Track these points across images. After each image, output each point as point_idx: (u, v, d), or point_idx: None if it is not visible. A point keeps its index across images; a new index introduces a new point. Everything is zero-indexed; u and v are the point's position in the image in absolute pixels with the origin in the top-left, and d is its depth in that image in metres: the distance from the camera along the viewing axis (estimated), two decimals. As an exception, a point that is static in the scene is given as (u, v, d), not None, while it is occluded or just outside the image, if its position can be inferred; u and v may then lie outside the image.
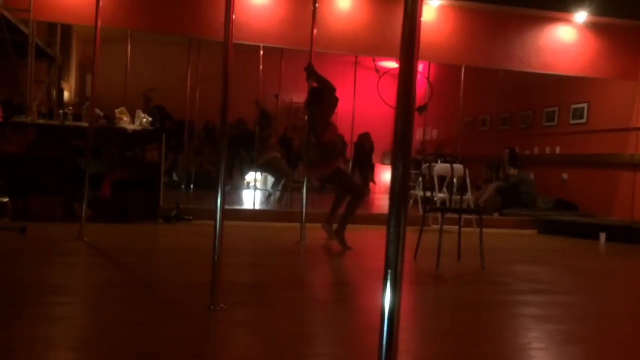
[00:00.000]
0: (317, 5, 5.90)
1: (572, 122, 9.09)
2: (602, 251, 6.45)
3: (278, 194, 8.66)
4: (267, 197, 8.88)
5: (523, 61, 7.83)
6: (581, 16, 7.69)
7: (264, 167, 8.59)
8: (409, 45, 1.36)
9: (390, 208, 1.39)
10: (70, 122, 6.40)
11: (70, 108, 6.92)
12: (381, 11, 7.30)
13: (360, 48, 7.70)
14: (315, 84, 5.41)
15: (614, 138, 8.25)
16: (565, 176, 9.13)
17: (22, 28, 6.43)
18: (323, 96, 5.24)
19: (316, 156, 5.29)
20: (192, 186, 9.92)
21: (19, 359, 2.14)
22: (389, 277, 1.38)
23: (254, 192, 8.86)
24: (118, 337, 2.46)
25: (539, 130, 9.86)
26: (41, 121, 6.34)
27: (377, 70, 10.85)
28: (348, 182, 5.43)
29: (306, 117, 5.50)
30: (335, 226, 5.28)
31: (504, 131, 10.80)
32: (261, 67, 8.54)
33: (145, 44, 11.19)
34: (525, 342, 2.74)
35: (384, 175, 12.97)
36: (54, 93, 8.59)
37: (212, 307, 2.81)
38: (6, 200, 5.39)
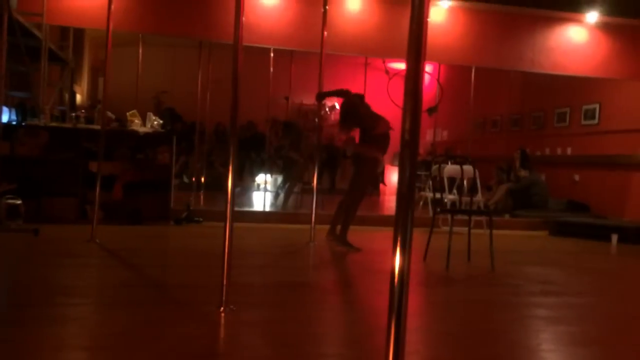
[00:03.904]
0: (327, 7, 5.91)
1: (583, 122, 9.03)
2: (614, 252, 6.39)
3: (281, 197, 8.68)
4: (275, 197, 8.90)
5: (534, 62, 7.79)
6: (592, 16, 7.63)
7: (283, 163, 8.68)
8: (416, 46, 1.37)
9: (397, 208, 1.40)
10: (82, 125, 6.47)
11: (82, 111, 6.99)
12: (390, 12, 7.30)
13: (370, 49, 7.70)
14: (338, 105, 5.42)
15: (626, 139, 8.18)
16: (576, 177, 9.07)
17: (36, 32, 6.50)
18: (349, 112, 5.25)
19: (367, 145, 5.23)
20: (202, 188, 9.97)
21: (32, 359, 2.17)
22: (395, 277, 1.38)
23: (263, 193, 8.89)
24: (129, 337, 2.49)
25: (550, 131, 9.80)
26: (54, 124, 6.41)
27: (387, 71, 10.86)
28: (363, 176, 5.35)
29: (344, 132, 5.48)
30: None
31: (515, 132, 10.75)
32: (271, 70, 8.57)
33: (156, 47, 11.26)
34: (535, 344, 2.73)
35: (394, 177, 12.95)
36: (66, 96, 8.67)
37: (223, 308, 2.83)
38: (19, 202, 5.45)
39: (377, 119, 5.18)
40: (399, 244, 1.39)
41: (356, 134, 5.37)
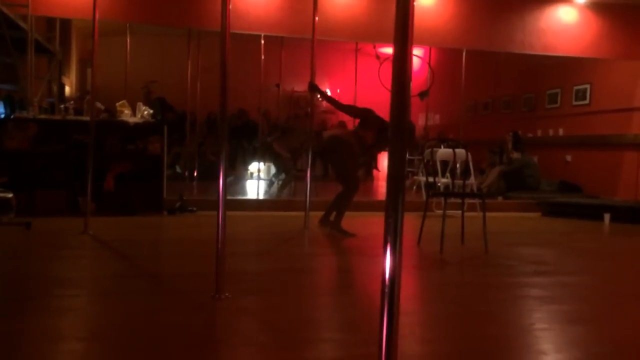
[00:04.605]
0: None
1: (574, 103, 9.05)
2: (606, 232, 6.44)
3: (279, 183, 8.66)
4: (269, 185, 8.89)
5: (524, 43, 7.78)
6: (582, -4, 7.62)
7: (269, 154, 8.61)
8: (403, 28, 1.36)
9: (388, 191, 1.40)
10: (71, 117, 6.41)
11: (71, 102, 6.93)
12: (380, -4, 7.25)
13: (360, 34, 7.66)
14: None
15: (617, 118, 8.21)
16: (568, 158, 9.11)
17: (21, 23, 6.42)
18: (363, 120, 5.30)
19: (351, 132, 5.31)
20: (195, 177, 9.94)
21: (28, 350, 2.17)
22: (387, 260, 1.39)
23: (257, 182, 8.87)
24: (125, 327, 2.49)
25: (541, 113, 9.82)
26: (43, 116, 6.35)
27: (378, 56, 10.80)
28: (343, 165, 5.29)
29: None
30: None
31: (507, 114, 10.76)
32: (262, 57, 8.51)
33: (144, 36, 11.15)
34: (529, 323, 2.75)
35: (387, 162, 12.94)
36: (55, 88, 8.60)
37: (217, 296, 2.83)
38: (10, 195, 5.41)
39: (374, 128, 5.18)
40: (390, 227, 1.38)
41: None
